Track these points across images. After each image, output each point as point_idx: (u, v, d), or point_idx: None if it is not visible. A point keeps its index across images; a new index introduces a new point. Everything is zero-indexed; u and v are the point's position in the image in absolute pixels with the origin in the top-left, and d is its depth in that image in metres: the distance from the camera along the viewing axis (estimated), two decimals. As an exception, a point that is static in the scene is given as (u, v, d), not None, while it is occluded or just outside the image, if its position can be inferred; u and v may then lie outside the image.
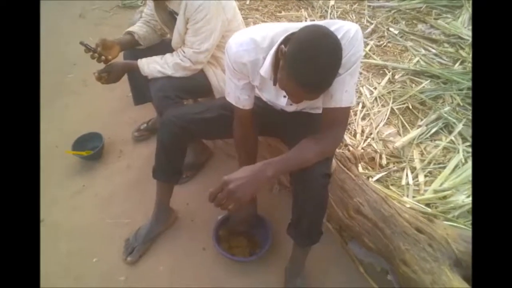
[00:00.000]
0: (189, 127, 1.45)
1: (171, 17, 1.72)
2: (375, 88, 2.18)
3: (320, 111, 1.30)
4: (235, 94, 1.29)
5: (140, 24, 1.85)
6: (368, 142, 1.86)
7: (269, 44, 1.15)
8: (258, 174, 1.08)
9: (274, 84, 1.20)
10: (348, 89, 1.13)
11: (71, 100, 2.64)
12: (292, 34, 1.06)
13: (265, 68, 1.13)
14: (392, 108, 2.03)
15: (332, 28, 1.02)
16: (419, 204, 1.55)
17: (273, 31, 1.15)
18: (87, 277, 1.61)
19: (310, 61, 0.94)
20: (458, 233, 1.30)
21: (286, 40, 1.08)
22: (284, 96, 1.26)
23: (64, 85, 2.79)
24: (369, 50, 2.47)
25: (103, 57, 1.65)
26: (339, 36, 1.02)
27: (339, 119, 1.19)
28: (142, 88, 1.85)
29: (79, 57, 1.67)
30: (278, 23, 1.21)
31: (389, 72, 2.28)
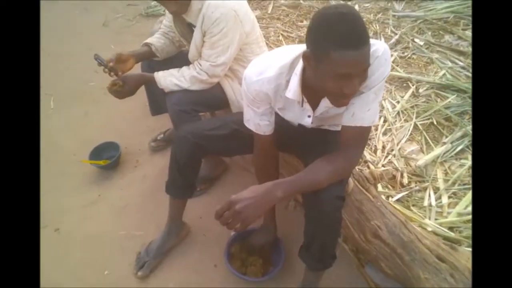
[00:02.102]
0: (203, 143, 1.42)
1: (189, 29, 1.71)
2: (398, 102, 2.10)
3: (339, 128, 1.25)
4: (255, 121, 1.25)
5: (158, 36, 1.85)
6: (389, 159, 1.78)
7: (291, 67, 1.11)
8: (267, 195, 1.03)
9: (302, 105, 1.15)
10: (371, 108, 1.08)
11: (91, 108, 2.68)
12: None
13: (293, 89, 1.09)
14: (415, 124, 1.94)
15: None
16: (442, 228, 1.47)
17: (293, 53, 1.11)
18: (98, 290, 1.60)
19: (342, 16, 0.88)
20: (483, 263, 1.21)
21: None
22: (309, 116, 1.22)
23: (85, 92, 2.83)
24: (393, 62, 2.39)
25: (112, 73, 1.65)
26: None
27: (358, 138, 1.14)
28: (159, 99, 1.85)
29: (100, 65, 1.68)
30: (297, 45, 1.17)
31: (413, 85, 2.19)
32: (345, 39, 0.88)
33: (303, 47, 1.11)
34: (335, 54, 0.89)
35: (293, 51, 1.12)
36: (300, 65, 1.07)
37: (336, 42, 0.88)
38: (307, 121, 1.23)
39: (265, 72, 1.13)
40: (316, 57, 0.95)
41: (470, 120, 1.91)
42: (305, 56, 0.99)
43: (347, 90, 0.96)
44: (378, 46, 1.03)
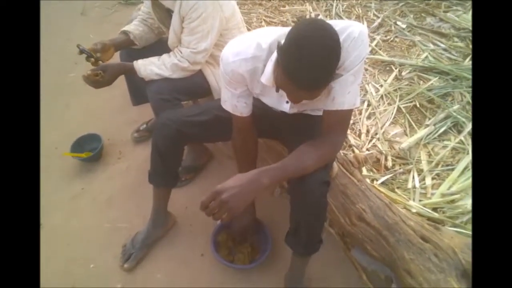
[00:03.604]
0: (184, 130, 1.40)
1: (168, 15, 1.66)
2: (381, 86, 2.10)
3: (321, 113, 1.24)
4: (232, 102, 1.23)
5: (137, 23, 1.80)
6: (373, 143, 1.79)
7: (269, 51, 1.08)
8: (253, 183, 1.02)
9: (277, 90, 1.13)
10: (351, 91, 1.06)
11: (72, 100, 2.62)
12: None
13: (267, 75, 1.07)
14: (398, 107, 1.95)
15: (336, 28, 0.95)
16: (426, 209, 1.48)
17: (272, 37, 1.09)
18: (84, 284, 1.58)
19: (302, 57, 0.87)
20: (466, 242, 1.23)
21: None
22: (287, 102, 1.20)
23: (65, 84, 2.76)
24: (376, 45, 2.38)
25: (100, 62, 1.61)
26: (342, 37, 0.96)
27: (340, 122, 1.13)
28: (140, 88, 1.81)
29: (80, 56, 1.63)
30: (277, 28, 1.15)
31: (396, 68, 2.19)
32: (298, 77, 0.90)
33: (282, 30, 1.10)
34: (286, 76, 0.92)
35: (272, 33, 1.10)
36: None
37: (290, 73, 0.91)
38: (286, 107, 1.21)
39: (242, 53, 1.10)
40: (279, 57, 0.96)
41: (453, 101, 1.92)
42: (278, 44, 0.97)
43: (290, 99, 1.04)
44: (354, 28, 1.01)
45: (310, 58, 0.87)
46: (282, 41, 0.99)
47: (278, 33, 1.09)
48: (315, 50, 0.87)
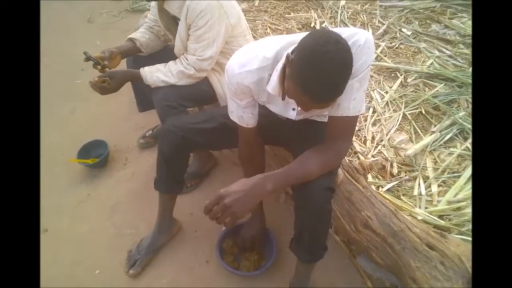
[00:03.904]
0: (189, 137, 1.41)
1: (174, 22, 1.68)
2: (387, 92, 2.10)
3: (327, 119, 1.24)
4: (238, 113, 1.24)
5: (143, 30, 1.82)
6: (379, 150, 1.79)
7: (274, 61, 1.09)
8: (257, 188, 1.02)
9: (283, 99, 1.13)
10: (357, 97, 1.07)
11: (78, 106, 2.64)
12: None
13: (273, 85, 1.07)
14: (404, 113, 1.95)
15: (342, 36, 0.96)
16: (432, 216, 1.47)
17: (277, 46, 1.09)
18: (89, 289, 1.59)
19: (316, 70, 0.87)
20: (473, 250, 1.22)
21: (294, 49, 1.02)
22: (293, 109, 1.20)
23: (72, 90, 2.79)
24: (381, 52, 2.39)
25: (107, 69, 1.63)
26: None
27: (345, 128, 1.14)
28: (146, 95, 1.82)
29: (87, 63, 1.65)
30: (282, 36, 1.15)
31: (401, 75, 2.19)
32: (311, 90, 0.89)
33: (287, 39, 1.10)
34: (298, 88, 0.91)
35: (278, 43, 1.10)
36: (282, 60, 1.05)
37: (303, 86, 0.90)
38: (292, 114, 1.22)
39: (248, 65, 1.11)
40: (290, 69, 0.96)
41: (459, 108, 1.91)
42: (287, 57, 0.98)
43: (302, 108, 1.00)
44: (360, 36, 1.01)
45: (324, 72, 0.87)
46: (290, 51, 0.99)
47: (285, 41, 1.09)
48: (330, 64, 0.86)
